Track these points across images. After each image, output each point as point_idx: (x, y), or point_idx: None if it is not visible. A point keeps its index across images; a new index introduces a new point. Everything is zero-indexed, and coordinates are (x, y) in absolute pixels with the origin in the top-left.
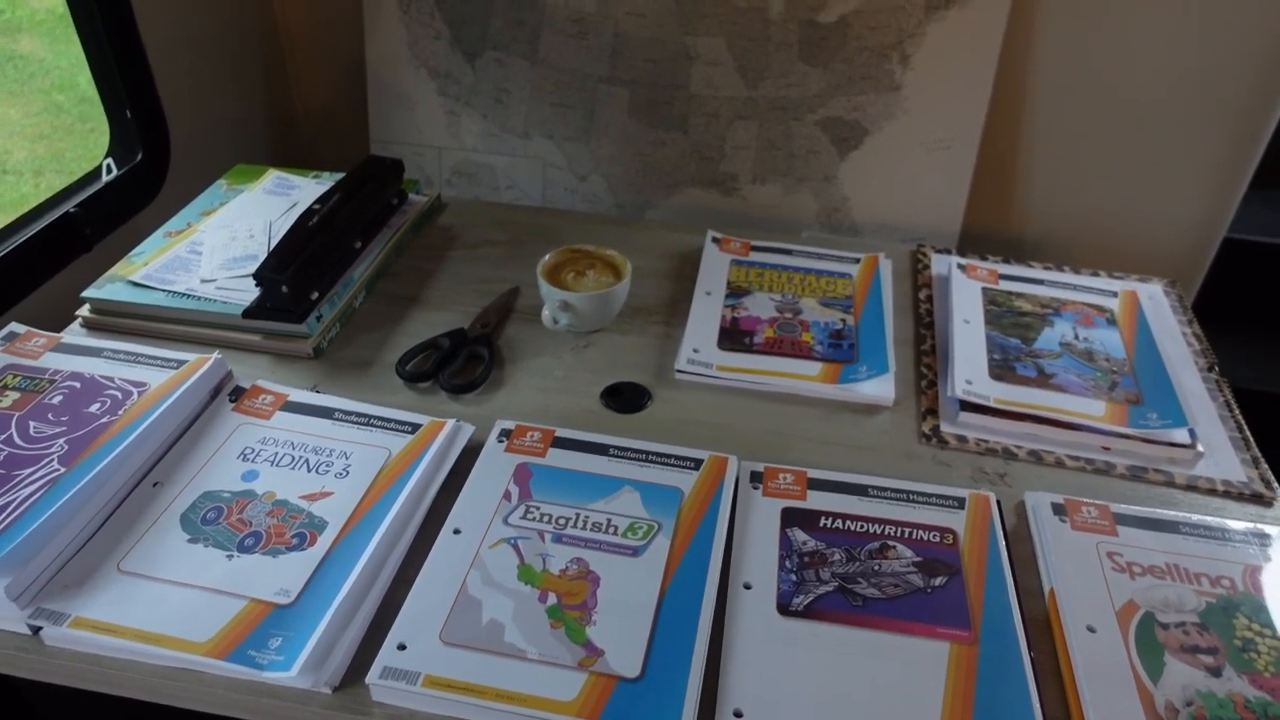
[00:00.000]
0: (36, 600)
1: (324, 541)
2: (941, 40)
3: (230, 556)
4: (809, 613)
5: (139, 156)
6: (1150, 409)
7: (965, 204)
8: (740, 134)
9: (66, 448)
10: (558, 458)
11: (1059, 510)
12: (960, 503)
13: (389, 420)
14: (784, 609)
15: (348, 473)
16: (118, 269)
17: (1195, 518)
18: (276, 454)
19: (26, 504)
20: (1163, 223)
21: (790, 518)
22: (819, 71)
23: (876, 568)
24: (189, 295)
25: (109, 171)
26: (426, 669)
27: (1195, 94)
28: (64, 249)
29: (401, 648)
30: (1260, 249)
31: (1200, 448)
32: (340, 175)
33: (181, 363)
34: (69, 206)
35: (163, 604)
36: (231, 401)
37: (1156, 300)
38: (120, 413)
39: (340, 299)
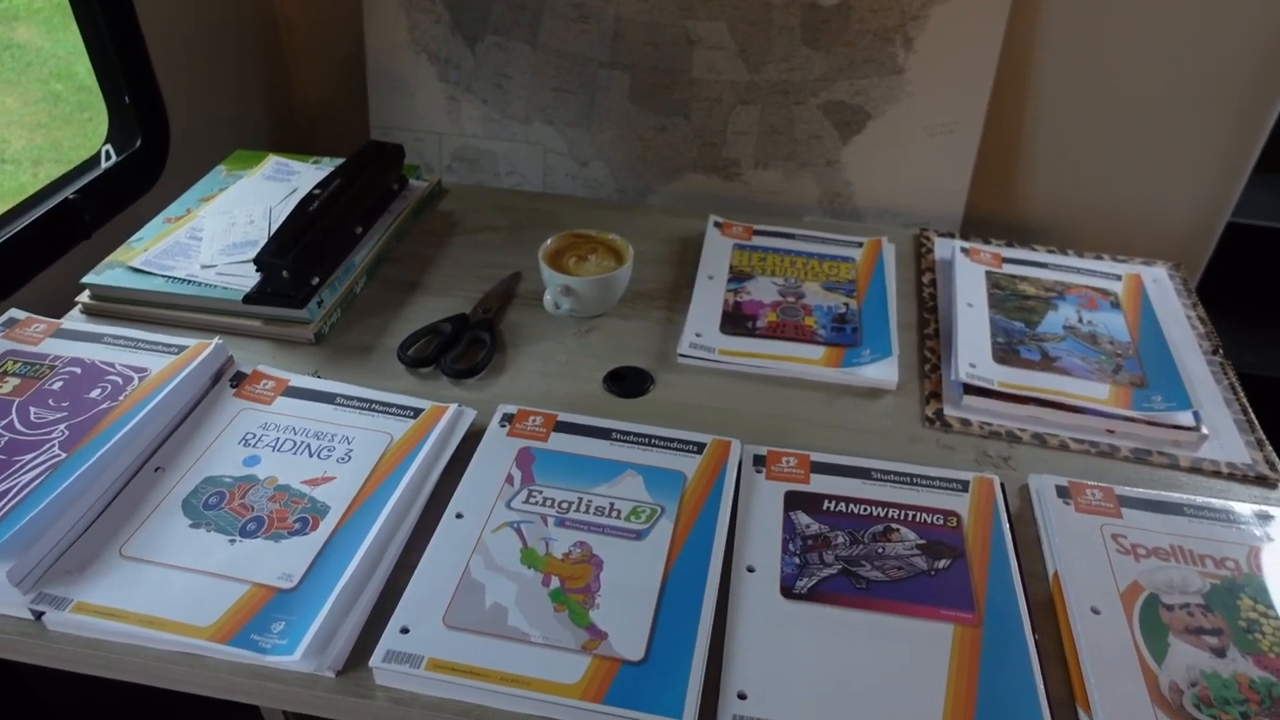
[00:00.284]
0: (39, 585)
1: (326, 526)
2: (945, 23)
3: (233, 541)
4: (812, 595)
5: (138, 143)
6: (1154, 392)
7: (968, 188)
8: (742, 119)
9: (67, 433)
10: (560, 442)
11: (1063, 493)
12: (964, 486)
13: (391, 405)
14: (787, 592)
15: (350, 457)
16: (117, 255)
17: (1199, 500)
18: (278, 439)
19: (28, 490)
20: (1166, 207)
21: (793, 501)
22: (821, 55)
23: (880, 550)
24: (189, 281)
25: (108, 158)
26: (430, 653)
27: (1200, 78)
28: (63, 236)
29: (405, 631)
30: (1264, 233)
31: (1204, 430)
32: (340, 160)
33: (182, 348)
34: (68, 193)
35: (165, 589)
36: (233, 387)
37: (1160, 283)
38: (121, 398)
39: (341, 284)
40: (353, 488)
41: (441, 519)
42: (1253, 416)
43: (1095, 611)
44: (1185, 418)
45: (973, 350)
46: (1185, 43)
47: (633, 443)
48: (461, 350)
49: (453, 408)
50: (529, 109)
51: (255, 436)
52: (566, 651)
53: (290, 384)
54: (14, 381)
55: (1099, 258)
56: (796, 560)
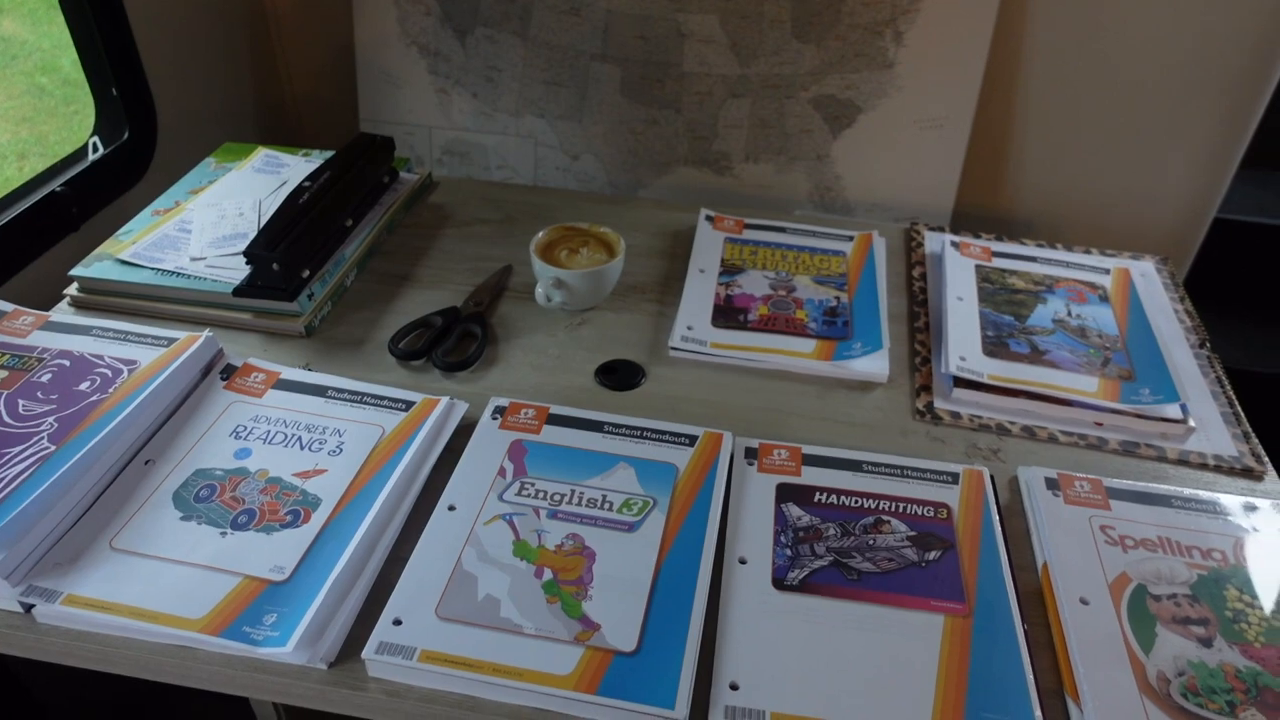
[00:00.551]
0: (28, 578)
1: (318, 518)
2: (935, 17)
3: (224, 534)
4: (804, 587)
5: (125, 135)
6: (1142, 385)
7: (958, 182)
8: (733, 112)
9: (56, 425)
10: (552, 434)
11: (1052, 485)
12: (954, 478)
13: (382, 398)
14: (779, 583)
15: (341, 450)
16: (106, 247)
17: (1187, 491)
18: (269, 432)
19: (16, 482)
20: (1154, 202)
21: (785, 493)
22: (812, 49)
23: (871, 542)
24: (178, 273)
25: (95, 150)
26: (423, 644)
27: (1188, 74)
28: (50, 228)
29: (397, 623)
30: (1250, 229)
31: (1192, 423)
32: (330, 153)
33: (172, 341)
34: (56, 185)
35: (156, 581)
36: (223, 379)
37: (1149, 277)
38: (110, 390)
39: (332, 277)
40: (344, 480)
41: (434, 511)
42: (1239, 409)
43: (1084, 602)
44: (1173, 410)
45: (963, 343)
46: (1174, 39)
47: (625, 435)
48: (453, 343)
49: (444, 400)
50: (520, 102)
51: (246, 429)
52: (559, 643)
53: (281, 376)
54: (2, 374)
55: (1088, 252)
56: (788, 552)
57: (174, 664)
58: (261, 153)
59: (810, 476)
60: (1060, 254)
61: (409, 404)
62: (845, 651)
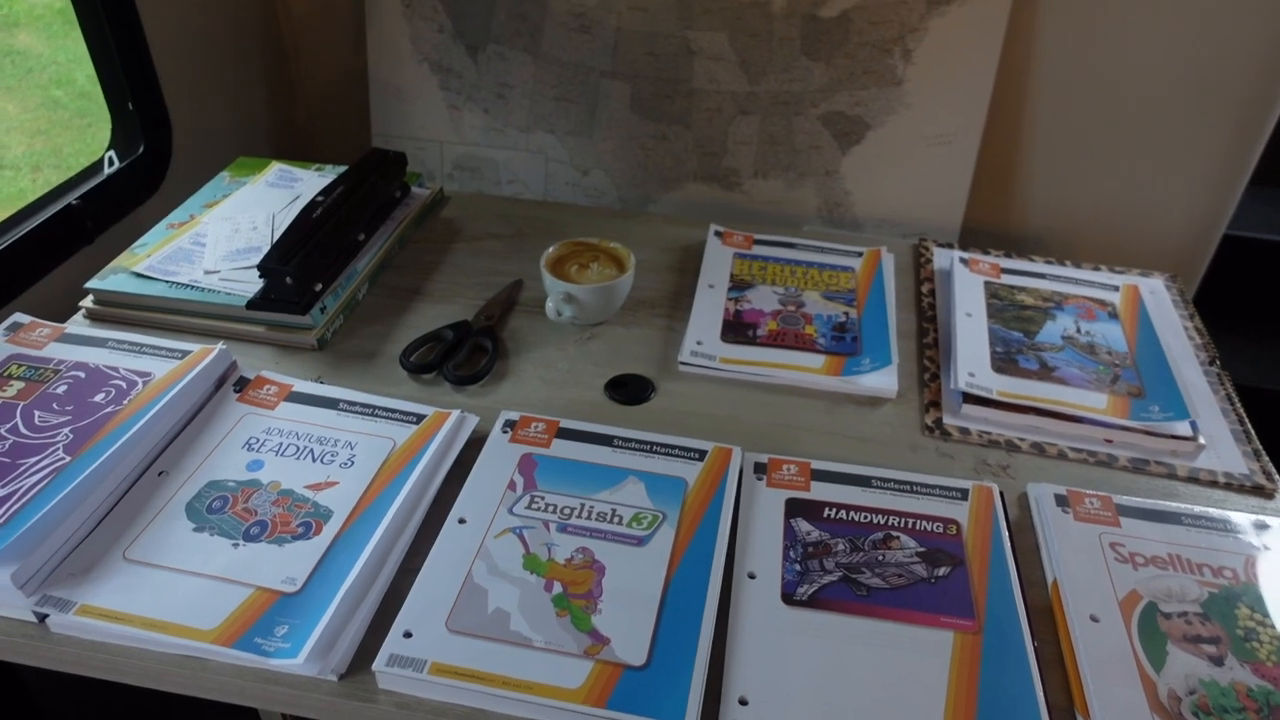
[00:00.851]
0: (43, 588)
1: (329, 530)
2: (943, 35)
3: (236, 545)
4: (813, 602)
5: (141, 149)
6: (1152, 402)
7: (967, 199)
8: (742, 129)
9: (71, 437)
10: (562, 448)
11: (1062, 501)
12: (963, 494)
13: (394, 411)
14: (788, 599)
15: (353, 463)
16: (121, 260)
17: (1197, 509)
18: (281, 444)
19: (32, 493)
20: (1163, 218)
21: (794, 508)
22: (821, 66)
23: (880, 558)
24: (192, 286)
25: (111, 164)
26: (433, 657)
27: (1196, 91)
28: (66, 241)
29: (408, 635)
30: (1259, 245)
31: (1202, 440)
32: (343, 168)
33: (186, 353)
34: (71, 199)
35: (169, 592)
36: (236, 392)
37: (1158, 294)
38: (125, 402)
39: (344, 291)
40: (356, 493)
41: (444, 524)
42: (1249, 427)
43: (1094, 619)
44: (1182, 428)
45: (972, 359)
46: (1182, 55)
47: (634, 449)
48: (464, 357)
49: (455, 414)
50: (530, 118)
51: (259, 441)
52: (569, 656)
53: (293, 389)
54: (18, 385)
55: (1097, 268)
56: (797, 567)
57: (185, 675)
58: (275, 167)
59: (819, 492)
60: (1069, 271)
61: (420, 417)
62: (854, 667)
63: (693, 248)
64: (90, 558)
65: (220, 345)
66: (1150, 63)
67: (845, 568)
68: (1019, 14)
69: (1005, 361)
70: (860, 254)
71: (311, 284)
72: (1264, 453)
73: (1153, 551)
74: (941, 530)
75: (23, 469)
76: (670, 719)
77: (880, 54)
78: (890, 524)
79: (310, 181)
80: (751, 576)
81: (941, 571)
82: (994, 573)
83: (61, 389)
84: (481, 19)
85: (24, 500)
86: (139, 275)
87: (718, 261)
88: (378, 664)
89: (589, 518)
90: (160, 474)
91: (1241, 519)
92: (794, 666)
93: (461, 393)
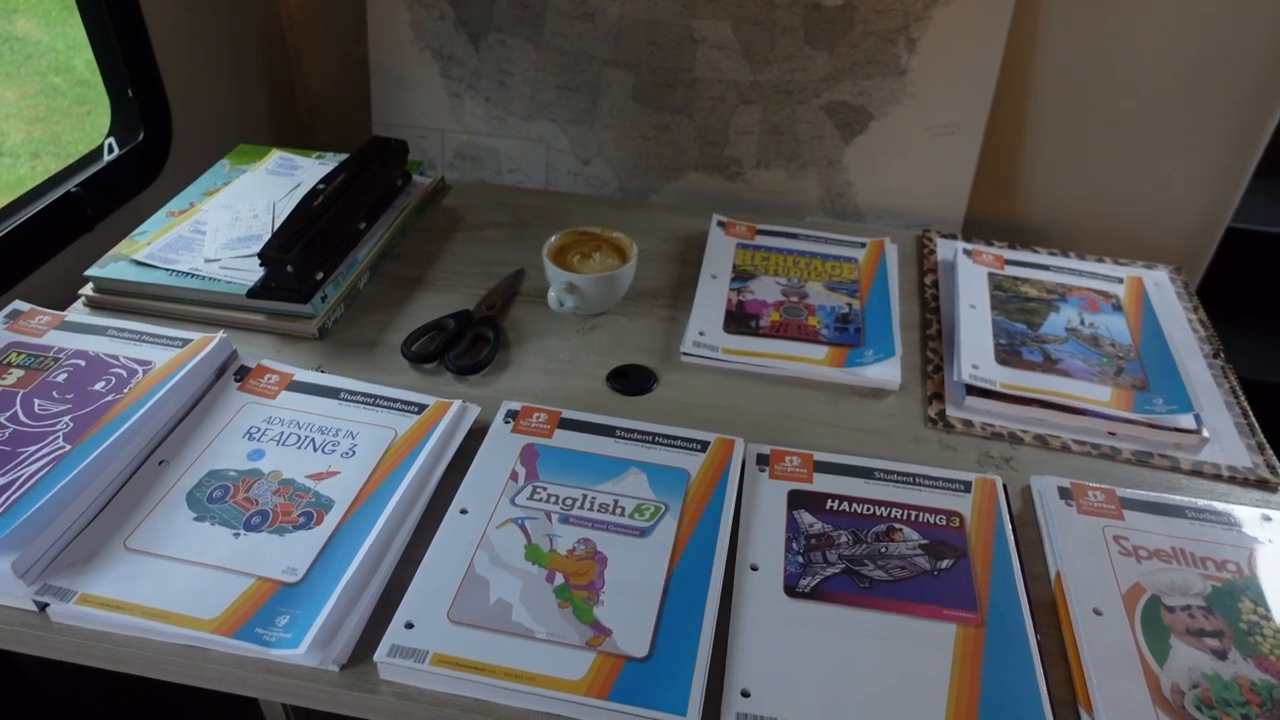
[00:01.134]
0: (43, 577)
1: (331, 520)
2: (948, 25)
3: (237, 535)
4: (816, 594)
5: (141, 136)
6: (1156, 394)
7: (970, 189)
8: (744, 118)
9: (71, 425)
10: (564, 439)
11: (1065, 494)
12: (966, 486)
13: (395, 400)
14: (791, 590)
15: (354, 452)
16: (121, 248)
17: (1201, 502)
18: (282, 433)
19: (32, 481)
20: (1167, 211)
21: (797, 500)
22: (824, 55)
23: (883, 550)
24: (193, 274)
25: (110, 151)
26: (434, 647)
27: (1200, 83)
28: (66, 228)
29: (409, 626)
30: (1263, 238)
31: (1205, 433)
32: (344, 156)
33: (186, 341)
34: (71, 186)
35: (169, 581)
36: (237, 381)
37: (1162, 286)
38: (125, 391)
39: (345, 279)
40: (357, 482)
41: (446, 514)
42: (1253, 420)
43: (1097, 612)
44: (1186, 421)
45: (975, 351)
46: (1187, 47)
47: (637, 440)
48: (465, 347)
49: (457, 404)
50: (532, 106)
51: (259, 430)
52: (571, 648)
53: (294, 378)
54: (18, 373)
55: (1101, 260)
56: (800, 559)
57: (186, 664)
58: (276, 155)
59: (822, 483)
60: (1073, 262)
61: (422, 407)
62: (857, 659)
63: (695, 238)
64: (91, 547)
65: (221, 334)
66: (1155, 54)
67: (848, 560)
68: (1023, 4)
69: (1009, 353)
70: (863, 245)
71: (312, 272)
72: (1268, 446)
73: (1156, 545)
74: (944, 522)
75: (23, 457)
76: (672, 710)
77: (884, 44)
78: (893, 516)
79: (311, 169)
80: (754, 568)
81: (944, 564)
82: (997, 565)
83: (61, 377)
84: (483, 6)
85: (24, 489)
86: (139, 263)
87: (720, 252)
88: (379, 654)
89: (591, 509)
90: (161, 463)
91: (1245, 512)
92: (796, 658)
93: (463, 383)
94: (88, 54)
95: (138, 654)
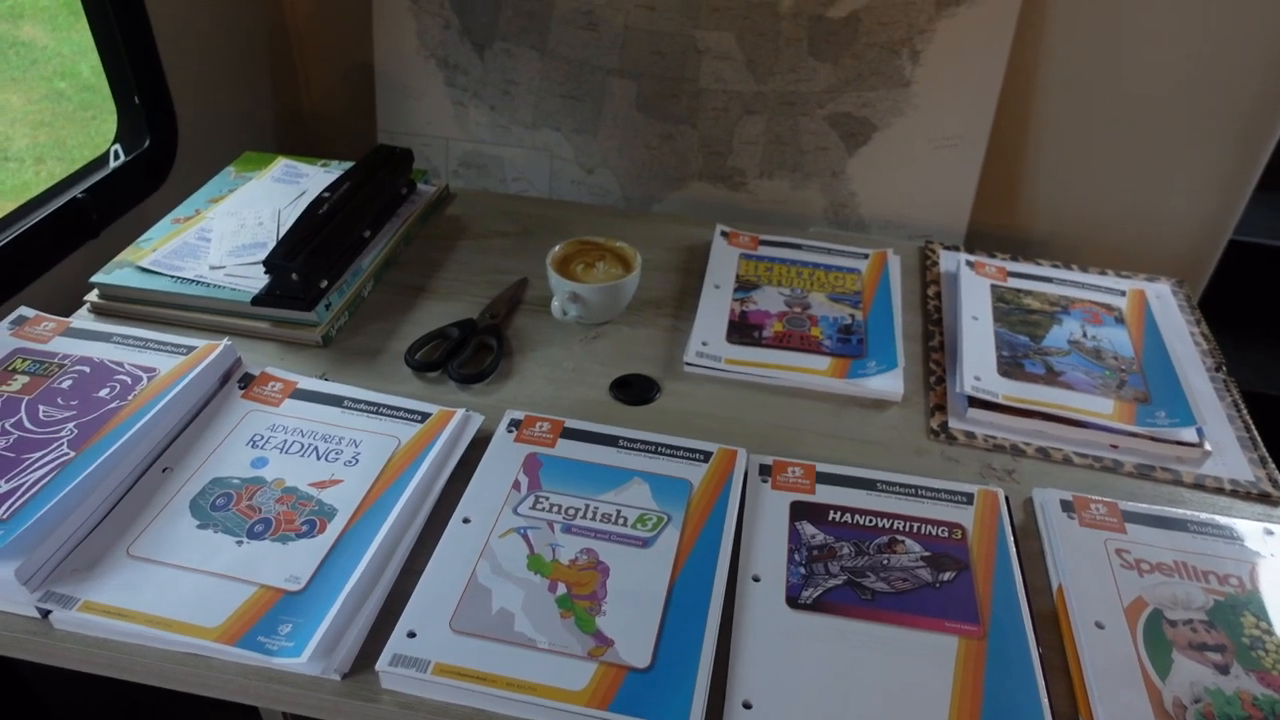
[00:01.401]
0: (46, 584)
1: (334, 529)
2: (952, 37)
3: (240, 543)
4: (818, 606)
5: (147, 143)
6: (1158, 407)
7: (973, 201)
8: (748, 129)
9: (76, 432)
10: (567, 448)
11: (1067, 507)
12: (969, 498)
13: (398, 409)
14: (793, 602)
15: (357, 461)
16: (126, 255)
17: (1203, 516)
18: (286, 441)
19: (36, 488)
20: (1170, 223)
21: (799, 511)
22: (828, 67)
23: (885, 562)
24: (198, 282)
25: (116, 158)
26: (436, 657)
27: (1203, 95)
28: (71, 235)
29: (411, 635)
30: (1266, 251)
31: (1208, 446)
32: (349, 164)
33: (191, 349)
34: (76, 192)
35: (172, 589)
36: (241, 388)
37: (1164, 299)
38: (130, 398)
39: (349, 287)
40: (360, 491)
41: (448, 524)
42: (1256, 434)
43: (1099, 626)
44: (1189, 434)
45: (978, 363)
46: (1190, 59)
47: (640, 450)
48: (469, 355)
49: (460, 412)
50: (536, 115)
51: (263, 438)
52: (573, 658)
53: (298, 386)
54: (23, 379)
55: (1103, 273)
56: (802, 570)
57: (188, 673)
58: (281, 163)
59: (824, 495)
60: (1075, 275)
61: (425, 415)
62: (859, 671)
63: (698, 248)
64: (94, 554)
65: (225, 341)
66: (1157, 67)
67: (850, 571)
68: (1027, 17)
69: (1011, 365)
70: (866, 256)
71: (317, 280)
72: (1270, 460)
73: (1158, 558)
74: (946, 535)
75: (27, 464)
76: None
77: (888, 55)
78: (895, 528)
79: (316, 177)
80: (756, 579)
81: (946, 576)
82: (999, 578)
83: (66, 384)
84: (488, 15)
85: (28, 496)
86: (144, 270)
87: (723, 262)
88: (381, 664)
89: (594, 518)
90: (164, 470)
91: (1247, 526)
92: (798, 670)
93: (466, 391)
94: (93, 59)
95: (140, 662)
